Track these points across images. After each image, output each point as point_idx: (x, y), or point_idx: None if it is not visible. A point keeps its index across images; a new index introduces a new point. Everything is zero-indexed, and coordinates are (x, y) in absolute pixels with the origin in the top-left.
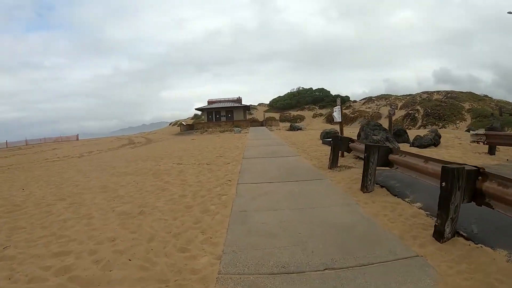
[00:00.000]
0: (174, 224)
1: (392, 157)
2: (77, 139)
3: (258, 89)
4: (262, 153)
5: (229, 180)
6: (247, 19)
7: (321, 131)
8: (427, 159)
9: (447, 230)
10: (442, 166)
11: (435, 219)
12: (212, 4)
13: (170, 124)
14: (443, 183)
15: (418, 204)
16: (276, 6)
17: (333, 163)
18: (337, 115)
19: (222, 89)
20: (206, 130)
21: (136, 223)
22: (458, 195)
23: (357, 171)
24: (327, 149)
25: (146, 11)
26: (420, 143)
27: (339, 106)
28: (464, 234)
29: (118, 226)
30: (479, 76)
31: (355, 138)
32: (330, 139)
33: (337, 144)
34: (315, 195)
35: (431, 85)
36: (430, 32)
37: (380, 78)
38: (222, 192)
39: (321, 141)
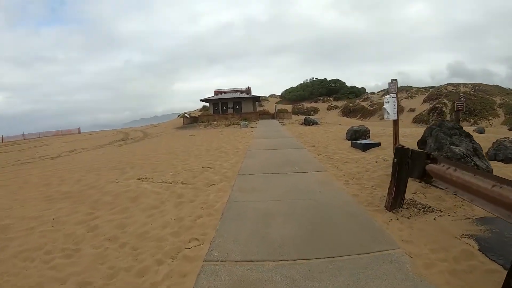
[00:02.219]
0: None
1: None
2: (79, 132)
3: (271, 82)
4: (268, 164)
5: (196, 240)
6: (259, 12)
7: (344, 127)
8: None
9: None
10: None
11: None
12: None
13: (178, 116)
14: None
15: None
16: None
17: (396, 200)
18: (390, 108)
19: (234, 81)
20: (211, 124)
21: None
22: None
23: (450, 221)
24: (363, 157)
25: (159, 4)
26: (505, 155)
27: (394, 95)
28: None
29: None
30: (493, 69)
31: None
32: (366, 142)
33: (404, 165)
34: None
35: (445, 79)
36: (444, 26)
37: (392, 72)
38: None
39: (348, 143)
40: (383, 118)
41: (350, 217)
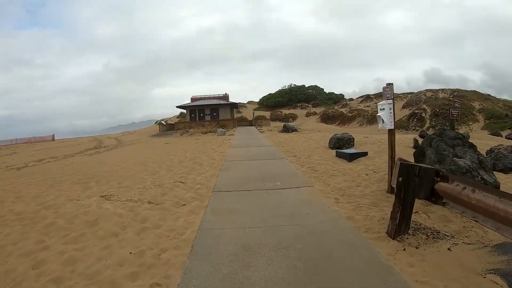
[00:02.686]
0: None
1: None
2: (53, 140)
3: (250, 88)
4: (246, 178)
5: (158, 286)
6: (240, 18)
7: (325, 134)
8: None
9: None
10: None
11: None
12: (205, 2)
13: (156, 123)
14: None
15: None
16: (269, 5)
17: (400, 226)
18: (386, 116)
19: (214, 87)
20: (187, 131)
21: None
22: None
23: (467, 251)
24: (351, 169)
25: (139, 8)
26: (504, 164)
27: (390, 101)
28: None
29: None
30: (469, 76)
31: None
32: (352, 152)
33: (411, 185)
34: None
35: (422, 85)
36: (422, 33)
37: (370, 78)
38: None
39: (332, 152)
40: (363, 124)
41: (349, 249)
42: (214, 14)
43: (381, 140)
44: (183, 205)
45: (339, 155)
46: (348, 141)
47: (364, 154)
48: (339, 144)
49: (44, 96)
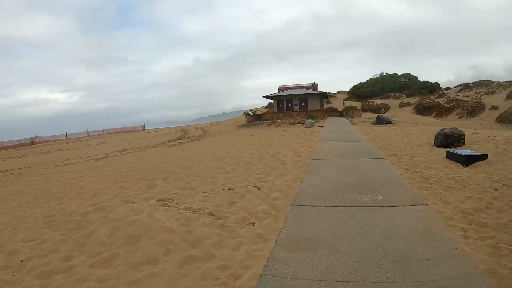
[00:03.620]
0: None
1: None
2: (143, 130)
3: (338, 78)
4: (337, 186)
5: None
6: (325, 7)
7: (424, 128)
8: None
9: None
10: None
11: None
12: None
13: (244, 113)
14: None
15: None
16: None
17: None
18: None
19: (302, 78)
20: (274, 122)
21: None
22: None
23: None
24: (470, 178)
25: (224, 3)
26: None
27: None
28: None
29: None
30: None
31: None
32: (469, 154)
33: None
34: None
35: None
36: None
37: (466, 65)
38: None
39: (439, 151)
40: (462, 116)
41: None
42: (299, 4)
43: (494, 137)
44: (251, 223)
45: (451, 157)
46: (458, 138)
47: (483, 157)
48: (447, 141)
49: (138, 89)
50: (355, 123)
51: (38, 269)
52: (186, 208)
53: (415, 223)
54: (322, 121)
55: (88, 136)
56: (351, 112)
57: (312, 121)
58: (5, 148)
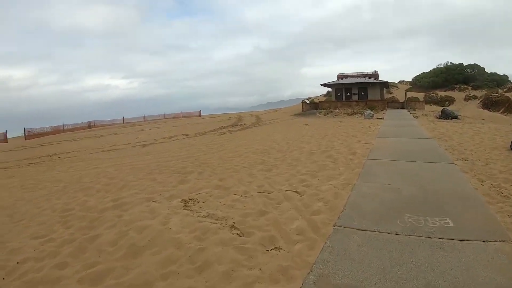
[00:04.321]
0: None
1: None
2: (199, 115)
3: (400, 67)
4: (395, 198)
5: None
6: None
7: (495, 126)
8: None
9: None
10: None
11: None
12: None
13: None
14: None
15: None
16: None
17: None
18: None
19: (362, 66)
20: (331, 111)
21: None
22: None
23: None
24: None
25: None
26: None
27: None
28: None
29: None
30: None
31: None
32: None
33: None
34: None
35: None
36: None
37: None
38: None
39: None
40: None
41: None
42: None
43: None
44: (277, 249)
45: None
46: None
47: None
48: None
49: (197, 76)
50: (417, 116)
51: (29, 275)
52: (208, 215)
53: (496, 273)
54: (382, 112)
55: (144, 121)
56: (413, 103)
57: (371, 112)
58: (63, 131)
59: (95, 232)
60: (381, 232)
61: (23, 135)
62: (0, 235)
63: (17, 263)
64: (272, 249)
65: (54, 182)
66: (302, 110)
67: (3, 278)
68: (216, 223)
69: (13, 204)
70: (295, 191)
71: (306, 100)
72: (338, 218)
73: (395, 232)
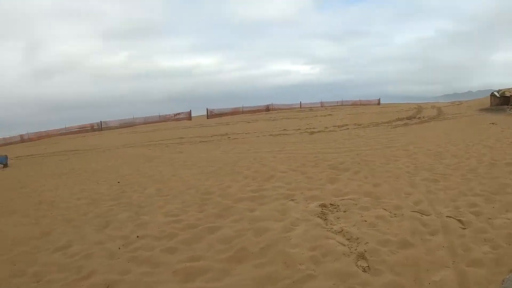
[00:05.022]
0: None
1: None
2: (378, 104)
3: None
4: None
5: None
6: None
7: None
8: None
9: None
10: None
11: None
12: None
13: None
14: None
15: None
16: None
17: None
18: None
19: None
20: None
21: None
22: None
23: None
24: None
25: None
26: None
27: None
28: None
29: None
30: None
31: None
32: None
33: None
34: None
35: None
36: None
37: None
38: None
39: None
40: None
41: None
42: None
43: None
44: None
45: None
46: None
47: None
48: None
49: (377, 62)
50: None
51: (138, 252)
52: (340, 232)
53: None
54: None
55: (321, 106)
56: None
57: None
58: (242, 112)
59: (220, 223)
60: None
61: (206, 114)
62: (141, 207)
63: (137, 237)
64: None
65: (211, 162)
66: (490, 105)
67: (119, 248)
68: (344, 246)
69: (168, 179)
70: (459, 220)
71: (496, 93)
72: (503, 282)
73: None
